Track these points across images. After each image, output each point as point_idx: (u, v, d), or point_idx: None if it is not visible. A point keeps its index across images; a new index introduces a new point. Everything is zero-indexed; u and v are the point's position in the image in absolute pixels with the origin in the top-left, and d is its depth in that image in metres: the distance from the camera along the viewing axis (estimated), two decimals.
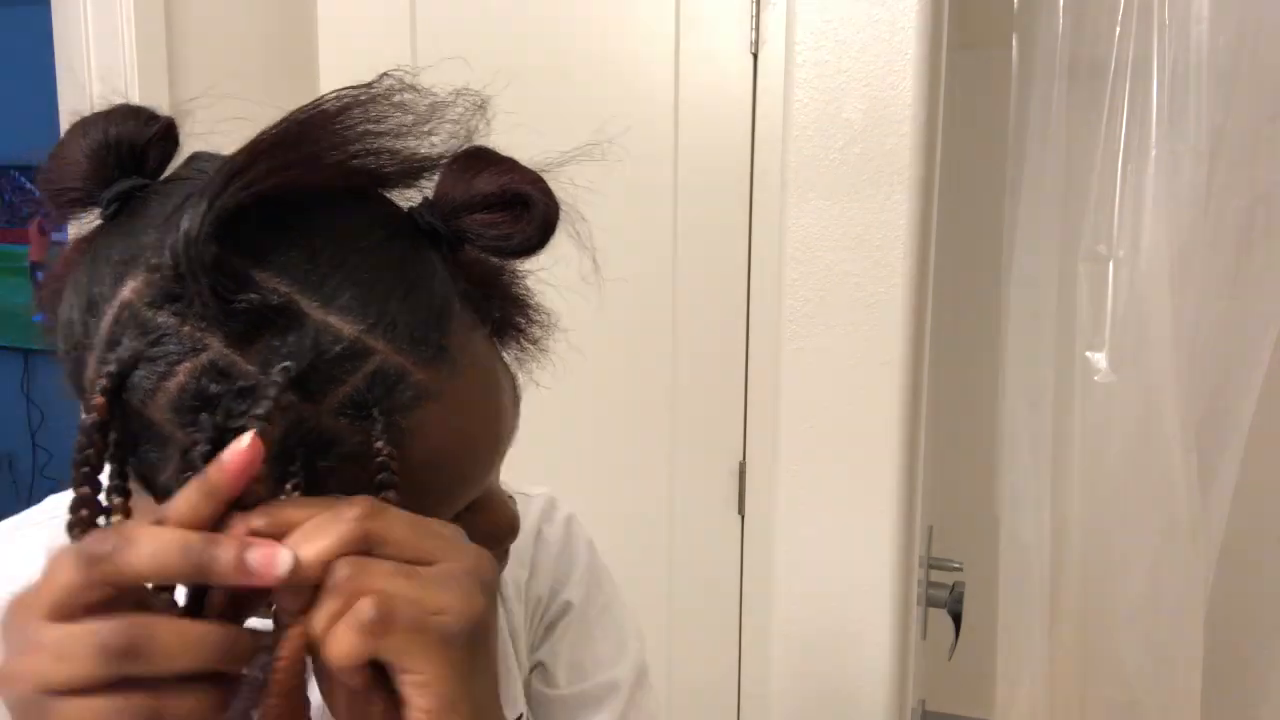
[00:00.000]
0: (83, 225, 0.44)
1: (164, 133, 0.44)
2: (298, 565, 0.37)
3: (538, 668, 0.67)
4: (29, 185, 3.67)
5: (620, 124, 1.37)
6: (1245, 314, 1.51)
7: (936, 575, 1.57)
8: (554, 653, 0.67)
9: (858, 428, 1.30)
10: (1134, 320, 1.52)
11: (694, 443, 1.42)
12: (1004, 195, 1.59)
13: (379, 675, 0.38)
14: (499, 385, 0.46)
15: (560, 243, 0.47)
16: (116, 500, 0.40)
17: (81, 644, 0.35)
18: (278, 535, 0.37)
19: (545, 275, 0.51)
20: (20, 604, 0.36)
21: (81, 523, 0.39)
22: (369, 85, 0.43)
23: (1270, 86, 1.46)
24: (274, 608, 0.39)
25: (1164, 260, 1.49)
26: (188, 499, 0.37)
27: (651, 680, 0.71)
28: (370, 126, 0.42)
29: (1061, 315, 1.57)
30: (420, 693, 0.38)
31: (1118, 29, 1.48)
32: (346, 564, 0.37)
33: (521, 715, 0.64)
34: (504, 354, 0.48)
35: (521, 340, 0.49)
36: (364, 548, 0.38)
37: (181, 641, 0.36)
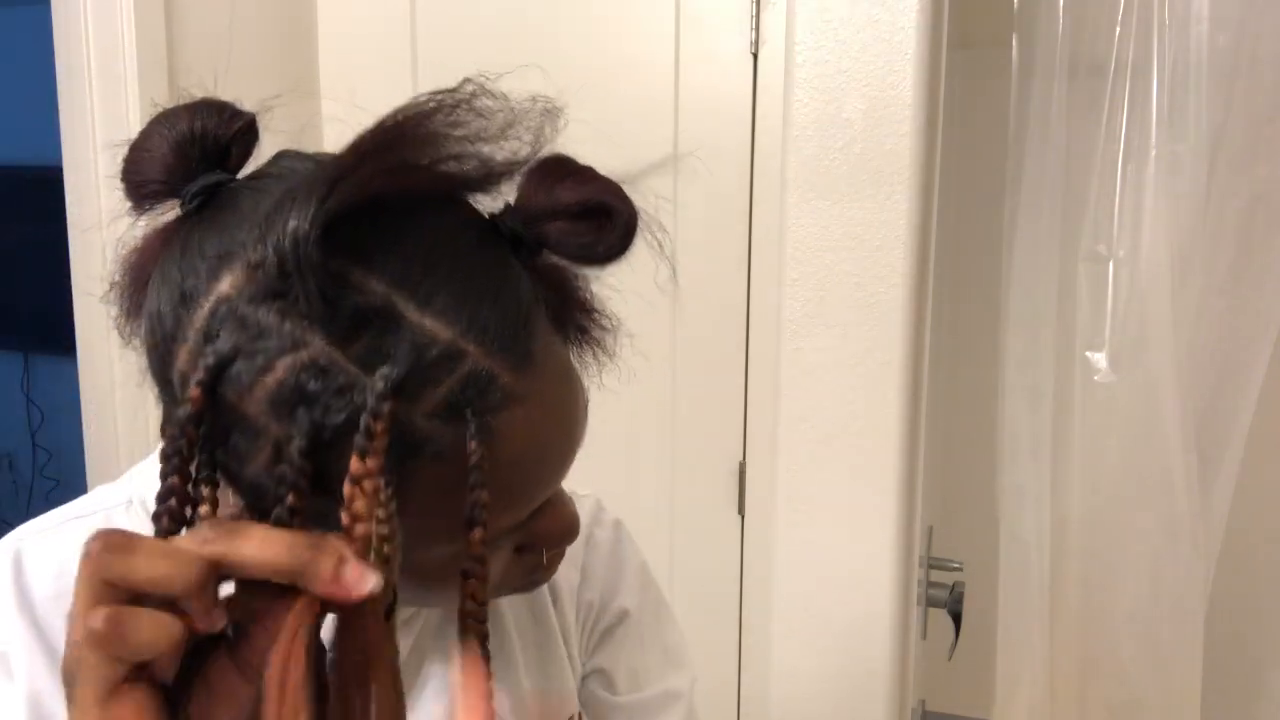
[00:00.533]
0: (158, 217, 0.44)
1: (246, 128, 0.46)
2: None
3: (596, 674, 0.68)
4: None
5: (620, 124, 1.37)
6: (1245, 314, 1.51)
7: (936, 575, 1.57)
8: (617, 660, 0.67)
9: (858, 428, 1.30)
10: (1134, 320, 1.52)
11: (694, 443, 1.42)
12: (1004, 195, 1.59)
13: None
14: (575, 388, 0.47)
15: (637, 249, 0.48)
16: (205, 491, 0.40)
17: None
18: None
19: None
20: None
21: (170, 512, 0.39)
22: (453, 90, 0.43)
23: (1270, 86, 1.45)
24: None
25: (1164, 260, 1.49)
26: (275, 552, 0.37)
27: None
28: (455, 131, 0.43)
29: (1061, 315, 1.57)
30: None
31: (1118, 29, 1.48)
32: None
33: (573, 715, 0.65)
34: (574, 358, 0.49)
35: (589, 345, 0.50)
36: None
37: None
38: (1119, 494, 1.57)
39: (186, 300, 0.41)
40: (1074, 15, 1.50)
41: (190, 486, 0.40)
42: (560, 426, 0.46)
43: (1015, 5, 1.55)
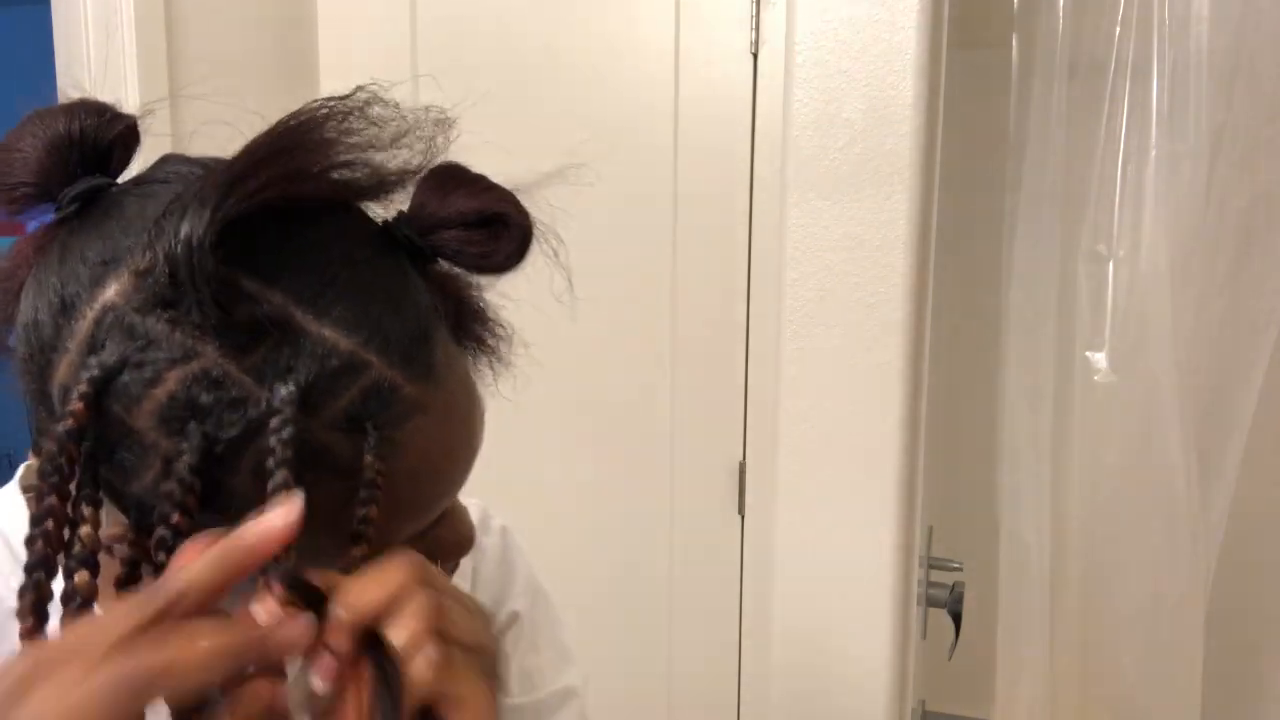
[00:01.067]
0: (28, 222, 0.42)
1: (128, 131, 0.44)
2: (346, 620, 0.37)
3: None
4: None
5: (620, 124, 1.37)
6: (1245, 313, 1.51)
7: (936, 575, 1.57)
8: (510, 663, 0.67)
9: (858, 427, 1.30)
10: (1134, 320, 1.52)
11: (694, 443, 1.42)
12: (1004, 195, 1.59)
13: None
14: (474, 398, 0.46)
15: (537, 256, 0.48)
16: (86, 511, 0.38)
17: None
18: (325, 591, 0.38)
19: (517, 290, 0.51)
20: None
21: (46, 535, 0.37)
22: (345, 97, 0.43)
23: (1270, 86, 1.45)
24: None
25: (1164, 260, 1.49)
26: (208, 568, 0.35)
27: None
28: (347, 138, 0.42)
29: (1061, 315, 1.57)
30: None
31: (1118, 29, 1.48)
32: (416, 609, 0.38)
33: None
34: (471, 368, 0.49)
35: (485, 353, 0.50)
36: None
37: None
38: (1119, 494, 1.57)
39: (67, 309, 0.39)
40: (1074, 15, 1.50)
41: (70, 507, 0.38)
42: (460, 436, 0.45)
43: (1015, 5, 1.55)
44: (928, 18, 1.22)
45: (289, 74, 1.51)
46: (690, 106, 1.35)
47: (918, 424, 1.32)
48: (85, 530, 0.38)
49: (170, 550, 0.37)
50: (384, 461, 0.40)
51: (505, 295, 0.51)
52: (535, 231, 0.46)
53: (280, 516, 0.36)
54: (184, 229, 0.36)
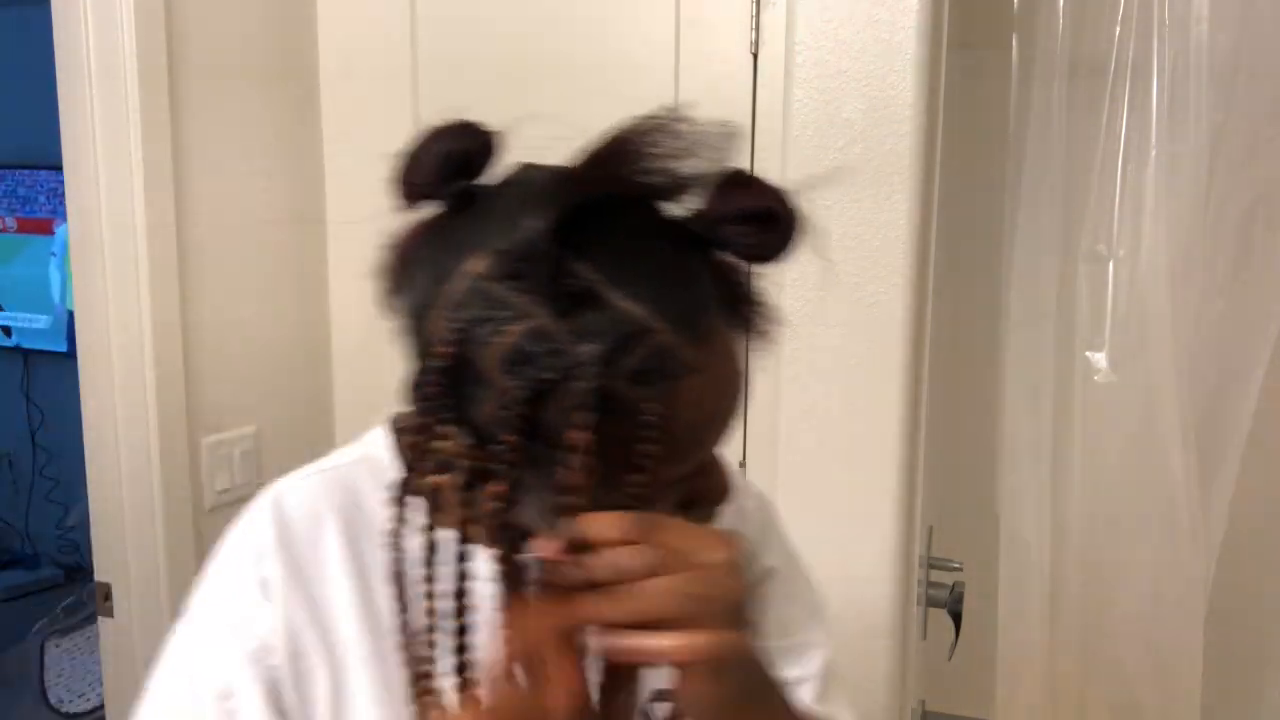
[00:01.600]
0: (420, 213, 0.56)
1: (488, 145, 0.56)
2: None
3: None
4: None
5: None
6: (1245, 313, 1.51)
7: (936, 575, 1.57)
8: (760, 610, 0.73)
9: (858, 427, 1.30)
10: (1134, 320, 1.52)
11: None
12: (1004, 195, 1.59)
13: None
14: (738, 366, 0.56)
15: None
16: (446, 429, 0.51)
17: None
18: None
19: None
20: None
21: (414, 443, 0.52)
22: (654, 116, 0.53)
23: (1270, 86, 1.46)
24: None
25: (1164, 260, 1.49)
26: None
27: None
28: (653, 151, 0.52)
29: (1061, 315, 1.57)
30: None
31: (1118, 29, 1.48)
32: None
33: None
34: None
35: (752, 332, 0.59)
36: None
37: None
38: (1119, 494, 1.57)
39: (441, 277, 0.52)
40: (1074, 15, 1.50)
41: (433, 426, 0.51)
42: (724, 396, 0.55)
43: (1015, 6, 1.55)
44: (928, 18, 1.22)
45: (289, 74, 1.51)
46: (690, 107, 1.35)
47: (918, 424, 1.32)
48: (445, 443, 0.51)
49: (503, 462, 0.50)
50: (666, 408, 0.50)
51: None
52: (804, 228, 0.55)
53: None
54: (530, 220, 0.49)
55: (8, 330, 3.73)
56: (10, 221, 3.62)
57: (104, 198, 1.28)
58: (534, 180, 0.54)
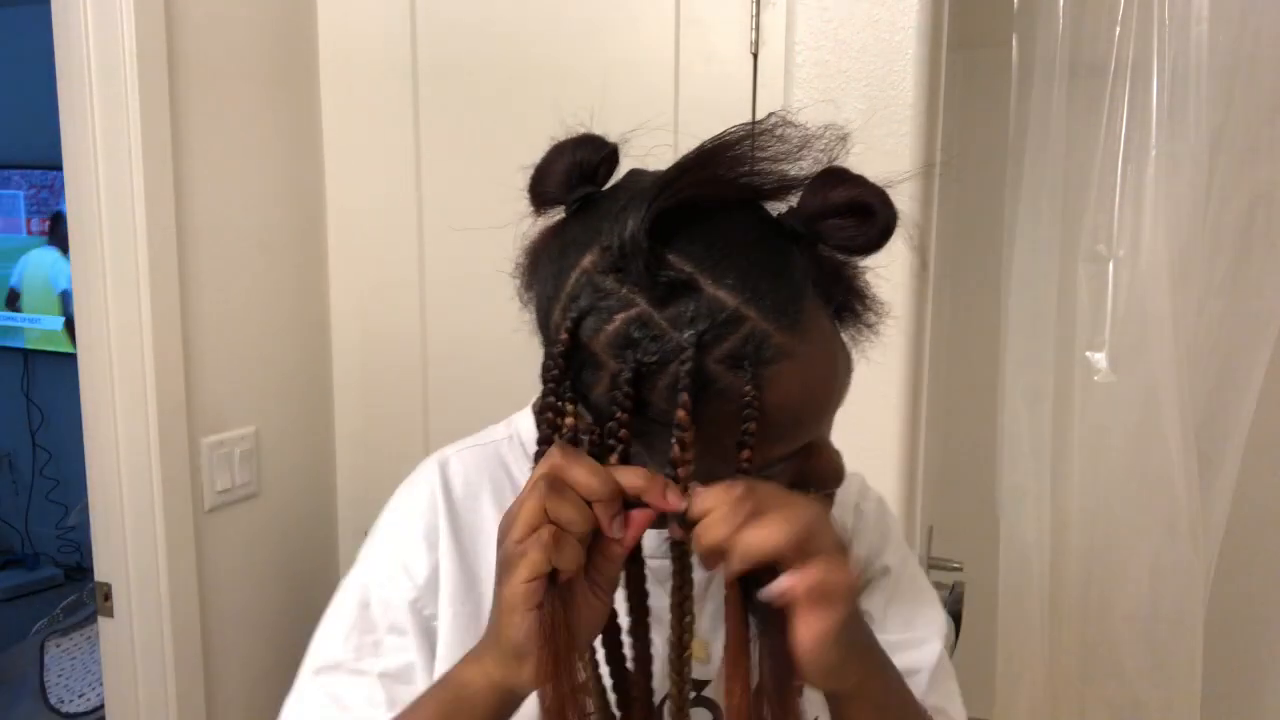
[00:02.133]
0: (546, 219, 0.62)
1: (611, 155, 0.61)
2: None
3: (862, 614, 0.78)
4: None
5: (620, 124, 1.37)
6: (1245, 314, 1.51)
7: (936, 575, 1.57)
8: (879, 605, 0.79)
9: (857, 427, 1.29)
10: (1134, 320, 1.52)
11: None
12: (1004, 195, 1.59)
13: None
14: (835, 354, 0.60)
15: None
16: (569, 407, 0.56)
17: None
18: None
19: None
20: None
21: (548, 421, 0.56)
22: (760, 121, 0.57)
23: (1270, 86, 1.45)
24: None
25: (1164, 260, 1.48)
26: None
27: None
28: (758, 153, 0.56)
29: (1061, 315, 1.57)
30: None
31: (1118, 29, 1.48)
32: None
33: None
34: (842, 332, 0.62)
35: (857, 323, 0.63)
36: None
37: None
38: (1119, 494, 1.57)
39: (562, 273, 0.57)
40: (1074, 15, 1.50)
41: (560, 404, 0.56)
42: (819, 381, 0.58)
43: (1015, 5, 1.55)
44: (928, 18, 1.22)
45: (289, 74, 1.51)
46: (690, 106, 1.35)
47: (918, 424, 1.32)
48: (569, 420, 0.56)
49: (617, 437, 0.55)
50: (757, 390, 0.54)
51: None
52: (899, 221, 0.58)
53: (678, 499, 0.54)
54: (628, 220, 0.54)
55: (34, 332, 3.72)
56: (38, 224, 3.64)
57: (104, 198, 1.28)
58: (638, 183, 0.58)
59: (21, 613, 3.30)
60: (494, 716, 0.57)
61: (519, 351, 0.65)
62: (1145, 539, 1.56)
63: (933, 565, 1.56)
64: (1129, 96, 1.49)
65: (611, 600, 0.58)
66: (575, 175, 0.59)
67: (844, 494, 0.79)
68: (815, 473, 0.63)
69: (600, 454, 0.56)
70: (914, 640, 0.78)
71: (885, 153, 1.25)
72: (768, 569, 0.53)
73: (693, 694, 0.65)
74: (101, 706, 2.05)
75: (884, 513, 0.84)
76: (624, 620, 0.60)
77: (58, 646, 2.59)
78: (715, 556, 0.53)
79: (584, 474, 0.53)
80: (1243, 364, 1.52)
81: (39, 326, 3.66)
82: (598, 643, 0.60)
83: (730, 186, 0.56)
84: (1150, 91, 1.47)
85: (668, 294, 0.54)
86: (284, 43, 1.50)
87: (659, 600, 0.59)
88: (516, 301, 0.63)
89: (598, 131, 0.63)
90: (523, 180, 0.63)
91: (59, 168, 1.32)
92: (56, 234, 3.57)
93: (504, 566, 0.54)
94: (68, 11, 1.27)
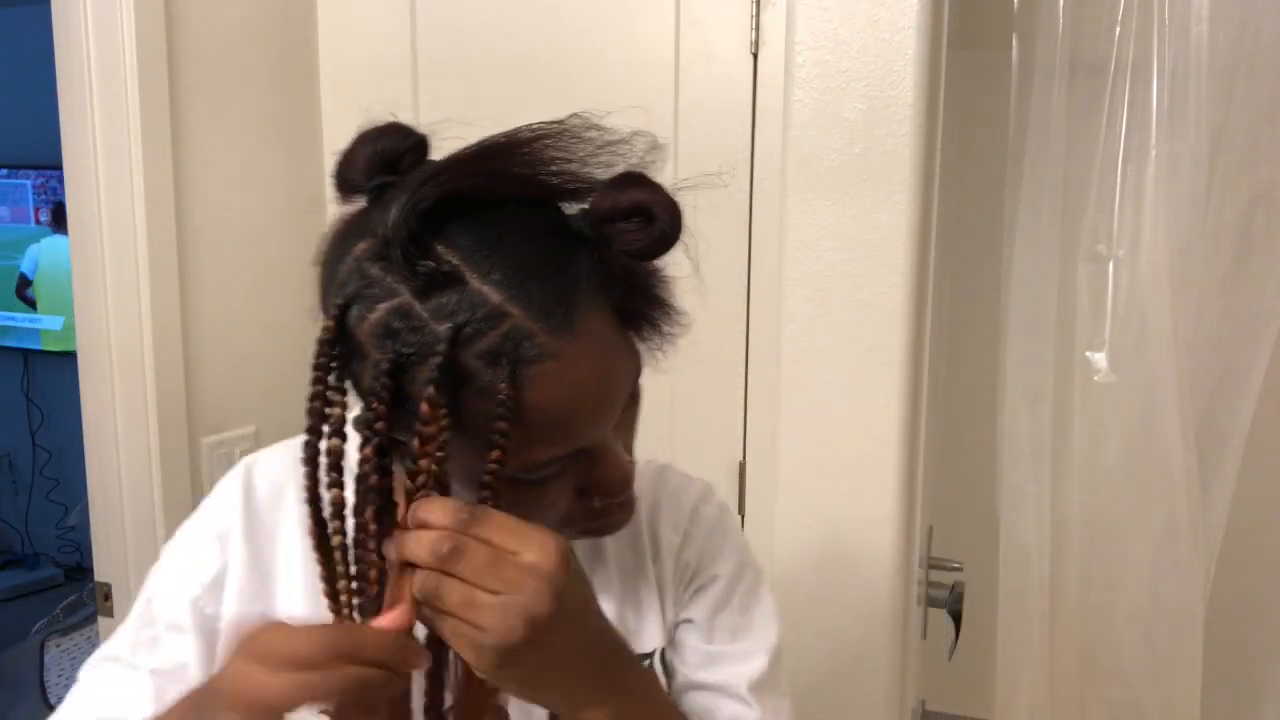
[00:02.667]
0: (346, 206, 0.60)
1: (418, 145, 0.58)
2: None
3: (685, 622, 0.78)
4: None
5: (620, 124, 1.37)
6: (1245, 313, 1.51)
7: (936, 575, 1.57)
8: (706, 614, 0.77)
9: (858, 428, 1.30)
10: (1134, 320, 1.52)
11: (694, 443, 1.42)
12: (1004, 195, 1.59)
13: None
14: (611, 358, 0.58)
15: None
16: (336, 397, 0.55)
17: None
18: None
19: None
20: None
21: (316, 410, 0.55)
22: (560, 121, 0.56)
23: (1270, 86, 1.45)
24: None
25: (1164, 260, 1.49)
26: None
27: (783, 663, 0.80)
28: (557, 153, 0.56)
29: (1061, 315, 1.57)
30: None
31: (1118, 29, 1.48)
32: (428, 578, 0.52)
33: (654, 652, 0.75)
34: (633, 338, 0.60)
35: (651, 330, 0.61)
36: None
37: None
38: (1119, 494, 1.57)
39: (339, 259, 0.56)
40: (1074, 15, 1.50)
41: (327, 392, 0.55)
42: (589, 384, 0.56)
43: (1015, 5, 1.55)
44: (928, 18, 1.22)
45: (289, 74, 1.51)
46: (690, 106, 1.36)
47: (918, 424, 1.32)
48: (336, 411, 0.55)
49: (372, 429, 0.53)
50: (515, 390, 0.53)
51: None
52: (681, 227, 0.57)
53: (389, 631, 0.52)
54: (394, 208, 0.53)
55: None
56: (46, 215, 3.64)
57: (104, 198, 1.28)
58: (418, 172, 0.57)
59: (21, 613, 3.30)
60: None
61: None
62: (1145, 539, 1.56)
63: (933, 565, 1.57)
64: (1129, 96, 1.49)
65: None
66: (376, 163, 0.58)
67: (684, 496, 0.80)
68: (597, 479, 0.61)
69: (363, 443, 0.55)
70: (739, 652, 0.76)
71: (885, 153, 1.25)
72: None
73: None
74: None
75: (724, 519, 0.82)
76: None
77: (58, 646, 2.59)
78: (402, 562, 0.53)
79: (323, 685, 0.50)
80: (1243, 364, 1.52)
81: (39, 326, 3.66)
82: None
83: (514, 182, 0.56)
84: (1150, 91, 1.47)
85: (430, 285, 0.53)
86: (284, 43, 1.50)
87: None
88: None
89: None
90: None
91: (59, 167, 1.32)
92: (62, 222, 3.57)
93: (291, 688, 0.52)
94: (68, 11, 1.27)
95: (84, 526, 1.43)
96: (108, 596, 1.37)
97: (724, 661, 0.76)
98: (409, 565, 0.52)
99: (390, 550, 0.53)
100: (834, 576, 1.33)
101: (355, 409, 0.56)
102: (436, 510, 0.52)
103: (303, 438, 0.74)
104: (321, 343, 0.55)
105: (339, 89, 1.55)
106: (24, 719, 2.48)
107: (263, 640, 0.52)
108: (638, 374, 0.62)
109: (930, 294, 1.32)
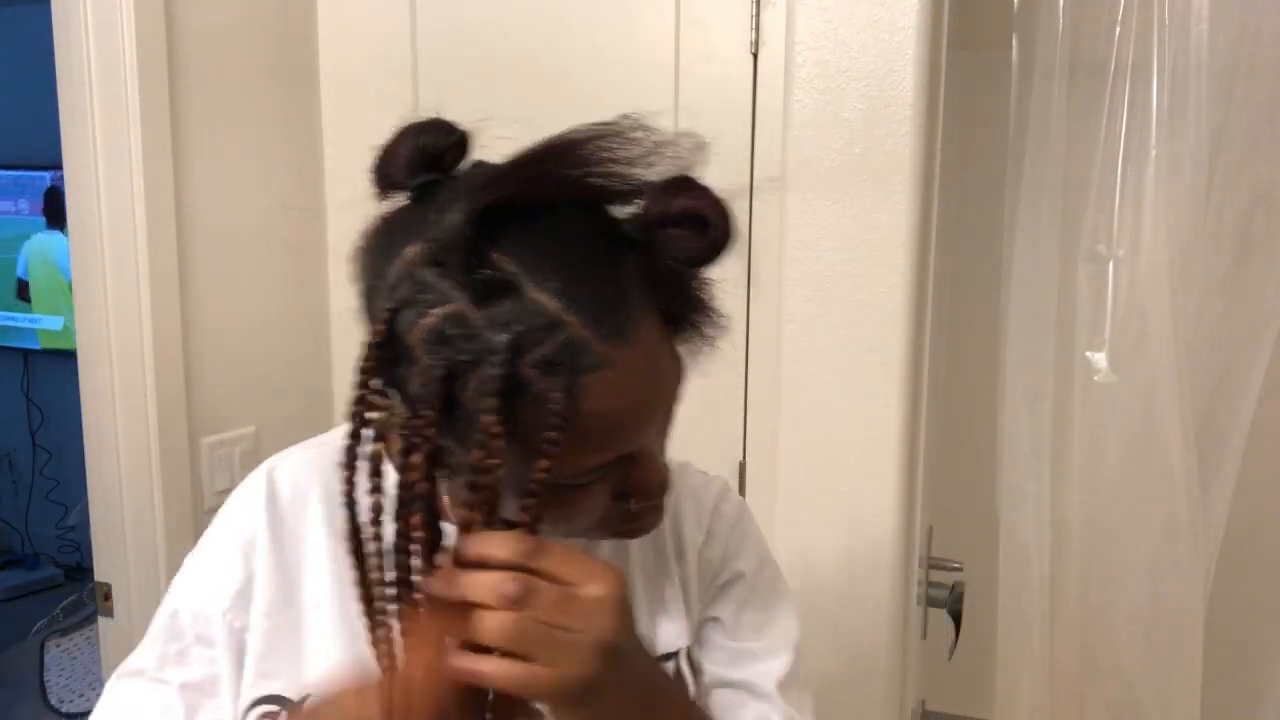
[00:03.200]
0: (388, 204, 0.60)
1: (460, 142, 0.58)
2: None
3: (711, 620, 0.78)
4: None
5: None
6: (1245, 313, 1.51)
7: (936, 575, 1.57)
8: (731, 611, 0.78)
9: (857, 428, 1.30)
10: (1134, 320, 1.52)
11: (694, 442, 1.41)
12: (1004, 195, 1.59)
13: None
14: (660, 365, 0.58)
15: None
16: (381, 400, 0.55)
17: None
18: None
19: None
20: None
21: (356, 413, 0.55)
22: (611, 122, 0.55)
23: (1270, 86, 1.45)
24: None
25: (1164, 260, 1.49)
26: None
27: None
28: (606, 155, 0.55)
29: (1061, 315, 1.57)
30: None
31: (1118, 29, 1.48)
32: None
33: (678, 651, 0.75)
34: (677, 343, 0.60)
35: (693, 333, 0.61)
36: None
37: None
38: (1119, 494, 1.57)
39: (386, 260, 0.55)
40: (1074, 15, 1.50)
41: (371, 394, 0.55)
42: (639, 391, 0.56)
43: (1015, 5, 1.55)
44: (928, 18, 1.22)
45: (289, 74, 1.51)
46: (690, 106, 1.35)
47: (918, 424, 1.32)
48: (379, 414, 0.55)
49: (424, 435, 0.52)
50: (569, 399, 0.52)
51: None
52: (733, 232, 0.56)
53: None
54: (452, 213, 0.52)
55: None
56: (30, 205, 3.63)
57: (104, 198, 1.28)
58: (475, 175, 0.57)
59: (21, 613, 3.30)
60: None
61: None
62: (1145, 539, 1.56)
63: (933, 565, 1.57)
64: (1129, 96, 1.49)
65: None
66: (419, 160, 0.57)
67: (705, 494, 0.81)
68: (637, 483, 0.62)
69: (410, 449, 0.54)
70: (764, 649, 0.77)
71: (885, 153, 1.25)
72: None
73: None
74: None
75: (743, 517, 0.83)
76: None
77: (58, 646, 2.59)
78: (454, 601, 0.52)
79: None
80: (1243, 364, 1.52)
81: (40, 326, 3.66)
82: None
83: (566, 185, 0.55)
84: (1150, 91, 1.47)
85: (487, 293, 0.52)
86: (284, 43, 1.50)
87: None
88: None
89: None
90: None
91: (59, 167, 1.32)
92: (54, 214, 3.55)
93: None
94: (68, 11, 1.27)
95: (84, 526, 1.43)
96: (108, 596, 1.37)
97: (750, 659, 0.77)
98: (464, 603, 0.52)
99: (442, 587, 0.53)
100: (834, 576, 1.33)
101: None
102: (495, 546, 0.52)
103: (323, 438, 0.76)
104: (369, 346, 0.54)
105: (339, 89, 1.55)
106: (24, 719, 2.48)
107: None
108: (682, 378, 0.62)
109: (930, 294, 1.32)
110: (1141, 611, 1.58)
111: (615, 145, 0.55)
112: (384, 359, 0.54)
